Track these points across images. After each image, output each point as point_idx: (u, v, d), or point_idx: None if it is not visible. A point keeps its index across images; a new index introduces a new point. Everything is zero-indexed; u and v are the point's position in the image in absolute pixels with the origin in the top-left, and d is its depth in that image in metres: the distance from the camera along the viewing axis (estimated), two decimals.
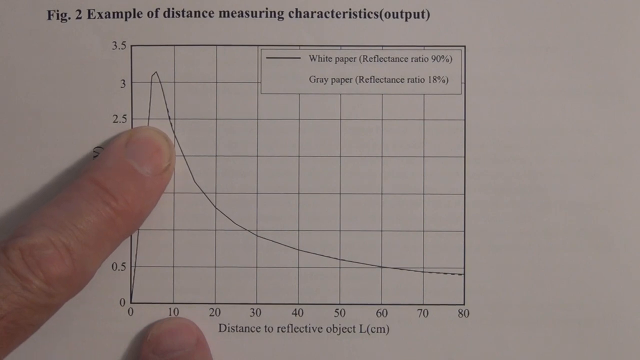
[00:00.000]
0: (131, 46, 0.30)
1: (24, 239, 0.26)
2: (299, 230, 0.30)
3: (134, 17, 0.30)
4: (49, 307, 0.27)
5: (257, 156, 0.30)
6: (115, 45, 0.30)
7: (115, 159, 0.29)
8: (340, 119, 0.30)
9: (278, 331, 0.30)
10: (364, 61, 0.30)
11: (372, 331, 0.30)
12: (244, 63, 0.30)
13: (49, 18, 0.30)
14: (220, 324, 0.30)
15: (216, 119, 0.30)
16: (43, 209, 0.28)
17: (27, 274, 0.26)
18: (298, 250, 0.30)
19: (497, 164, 0.30)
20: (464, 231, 0.30)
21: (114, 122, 0.30)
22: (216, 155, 0.30)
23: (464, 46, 0.30)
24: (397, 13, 0.30)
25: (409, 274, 0.30)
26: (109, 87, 0.30)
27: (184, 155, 0.30)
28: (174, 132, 0.30)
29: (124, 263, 0.30)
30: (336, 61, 0.30)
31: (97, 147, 0.30)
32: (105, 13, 0.30)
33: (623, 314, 0.30)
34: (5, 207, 0.30)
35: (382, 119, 0.30)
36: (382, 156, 0.30)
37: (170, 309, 0.30)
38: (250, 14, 0.30)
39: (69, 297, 0.27)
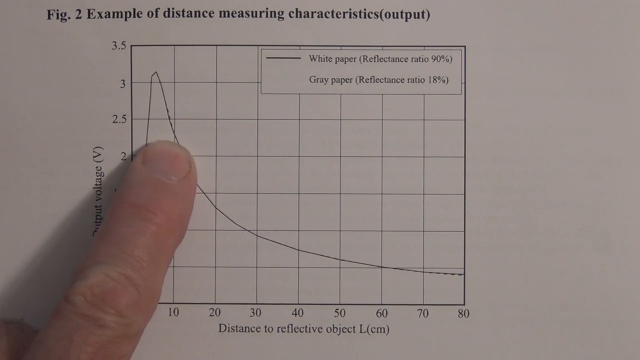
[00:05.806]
0: (131, 46, 0.30)
1: (82, 282, 0.26)
2: (299, 230, 0.30)
3: (134, 17, 0.30)
4: (131, 336, 0.27)
5: (257, 156, 0.30)
6: (115, 45, 0.30)
7: (139, 177, 0.29)
8: (340, 119, 0.30)
9: (278, 331, 0.30)
10: (364, 61, 0.30)
11: (372, 331, 0.30)
12: (244, 63, 0.30)
13: (49, 17, 0.30)
14: (220, 324, 0.30)
15: (216, 119, 0.30)
16: (90, 248, 0.28)
17: (96, 312, 0.26)
18: (298, 250, 0.30)
19: (497, 164, 0.30)
20: (464, 231, 0.30)
21: (114, 122, 0.30)
22: (216, 155, 0.30)
23: (464, 46, 0.30)
24: (397, 13, 0.30)
25: (409, 274, 0.30)
26: (109, 87, 0.30)
27: None
28: (173, 132, 0.30)
29: None
30: (336, 61, 0.30)
31: (97, 147, 0.30)
32: (105, 13, 0.30)
33: (623, 314, 0.30)
34: (5, 207, 0.30)
35: (382, 119, 0.30)
36: (382, 156, 0.30)
37: (170, 308, 0.30)
38: (250, 14, 0.30)
39: (146, 321, 0.28)
